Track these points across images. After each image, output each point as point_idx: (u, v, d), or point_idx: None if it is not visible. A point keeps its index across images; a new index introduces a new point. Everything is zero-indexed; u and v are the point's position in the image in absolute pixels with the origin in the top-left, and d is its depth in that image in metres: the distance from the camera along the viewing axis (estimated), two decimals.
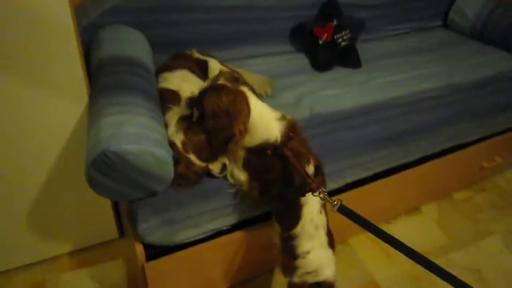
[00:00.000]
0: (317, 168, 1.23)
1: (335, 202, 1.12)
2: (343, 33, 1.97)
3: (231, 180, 1.31)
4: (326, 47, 1.96)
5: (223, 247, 1.42)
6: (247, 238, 1.45)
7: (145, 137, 1.09)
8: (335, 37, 1.96)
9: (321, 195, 1.14)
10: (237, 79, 1.25)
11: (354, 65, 2.01)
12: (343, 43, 1.97)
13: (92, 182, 1.08)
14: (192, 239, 1.33)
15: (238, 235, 1.42)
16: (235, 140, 1.16)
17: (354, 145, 1.59)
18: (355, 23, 2.08)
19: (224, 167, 1.29)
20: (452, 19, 2.48)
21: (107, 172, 1.07)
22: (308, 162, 1.21)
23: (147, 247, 1.27)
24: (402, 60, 2.12)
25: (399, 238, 1.06)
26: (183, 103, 1.34)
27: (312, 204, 1.20)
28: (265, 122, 1.19)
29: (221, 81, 1.20)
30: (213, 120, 1.17)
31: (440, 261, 1.81)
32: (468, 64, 2.10)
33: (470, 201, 2.16)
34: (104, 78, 1.28)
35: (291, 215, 1.21)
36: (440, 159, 1.85)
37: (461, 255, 1.87)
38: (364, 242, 1.87)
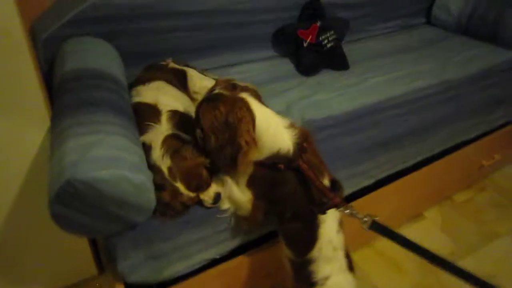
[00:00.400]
0: (333, 182, 1.07)
1: (366, 219, 0.96)
2: (328, 34, 1.82)
3: (225, 206, 1.12)
4: (311, 49, 1.81)
5: (220, 277, 1.23)
6: (246, 264, 1.27)
7: (118, 160, 0.90)
8: (320, 38, 1.81)
9: (348, 211, 0.98)
10: (235, 86, 1.07)
11: (341, 67, 1.86)
12: (328, 45, 1.82)
13: (58, 219, 0.89)
14: (183, 273, 1.14)
15: (236, 262, 1.24)
16: (243, 152, 0.97)
17: (354, 152, 1.44)
18: (340, 24, 1.94)
19: (218, 196, 1.10)
20: (435, 15, 2.37)
21: (75, 205, 0.87)
22: (323, 176, 1.05)
23: (130, 286, 1.08)
24: (390, 59, 1.98)
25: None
26: (164, 118, 1.15)
27: (330, 222, 1.05)
28: (273, 131, 1.01)
29: (217, 91, 1.03)
30: (214, 136, 0.99)
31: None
32: (459, 60, 1.98)
33: (472, 202, 2.02)
34: (67, 95, 1.09)
35: (306, 237, 1.05)
36: (440, 161, 1.72)
37: (472, 262, 1.71)
38: (370, 256, 1.71)
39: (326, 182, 1.06)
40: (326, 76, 1.80)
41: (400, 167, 1.57)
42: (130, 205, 0.93)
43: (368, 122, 1.54)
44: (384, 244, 1.75)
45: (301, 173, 1.02)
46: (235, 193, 1.09)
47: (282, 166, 1.02)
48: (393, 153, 1.53)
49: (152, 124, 1.12)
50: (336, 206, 1.01)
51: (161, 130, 1.12)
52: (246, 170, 1.06)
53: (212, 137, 0.99)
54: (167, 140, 1.07)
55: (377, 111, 1.59)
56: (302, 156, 1.03)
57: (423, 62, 1.95)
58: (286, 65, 1.86)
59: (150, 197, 0.96)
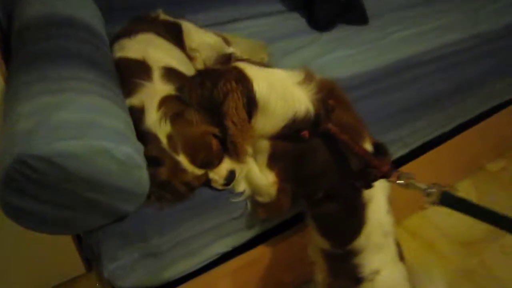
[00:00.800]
0: (377, 146, 0.81)
1: (431, 190, 0.71)
2: None
3: (240, 188, 0.85)
4: (326, 1, 1.52)
5: (233, 273, 0.98)
6: (265, 256, 1.03)
7: (94, 126, 0.63)
8: None
9: (402, 182, 0.72)
10: (229, 59, 0.89)
11: (360, 21, 1.58)
12: None
13: (9, 210, 0.62)
14: (188, 272, 0.88)
15: (252, 254, 0.99)
16: (231, 135, 0.76)
17: (386, 116, 1.17)
18: None
19: (231, 175, 0.82)
20: None
21: (33, 191, 0.60)
22: (363, 138, 0.78)
23: None
24: (412, 12, 1.71)
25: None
26: (156, 76, 0.88)
27: (379, 199, 0.80)
28: (280, 91, 0.77)
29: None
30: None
31: (493, 248, 1.44)
32: (490, 10, 1.72)
33: (507, 171, 1.77)
34: (27, 46, 0.80)
35: (349, 222, 0.80)
36: (477, 126, 1.46)
37: None
38: (401, 237, 1.44)
39: (367, 146, 0.80)
40: (343, 32, 1.53)
41: (438, 132, 1.31)
42: (113, 189, 0.66)
43: (398, 81, 1.29)
44: (416, 223, 1.51)
45: (333, 139, 0.76)
46: (255, 176, 0.83)
47: (306, 133, 0.78)
48: (432, 116, 1.26)
49: (142, 81, 0.85)
50: (386, 176, 0.75)
51: (155, 89, 0.84)
52: (258, 148, 0.83)
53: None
54: (166, 100, 0.80)
55: (409, 67, 1.35)
56: (329, 116, 0.77)
57: (450, 15, 1.69)
58: (296, 20, 1.57)
59: (141, 177, 0.69)
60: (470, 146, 1.54)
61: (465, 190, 1.67)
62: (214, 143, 0.78)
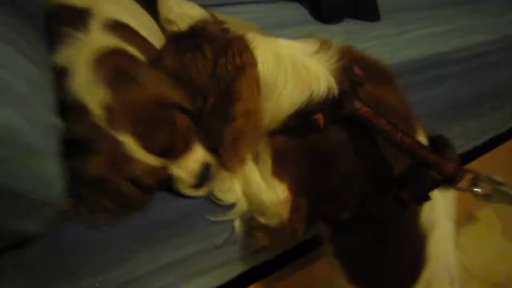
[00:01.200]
0: (435, 139, 0.51)
1: None
2: None
3: (230, 198, 0.54)
4: None
5: None
6: None
7: None
8: None
9: (479, 190, 0.44)
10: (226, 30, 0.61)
11: (371, 16, 1.33)
12: None
13: None
14: None
15: None
16: (236, 129, 0.52)
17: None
18: None
19: (206, 169, 0.52)
20: None
21: None
22: (410, 126, 0.51)
23: None
24: (428, 13, 1.49)
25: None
26: (96, 26, 0.56)
27: (443, 225, 0.50)
28: (291, 67, 0.54)
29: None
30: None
31: None
32: None
33: None
34: None
35: (396, 260, 0.51)
36: (505, 144, 1.21)
37: None
38: None
39: (421, 139, 0.51)
40: (351, 25, 1.29)
41: (471, 145, 1.05)
42: None
43: (419, 81, 1.03)
44: None
45: (362, 125, 0.49)
46: (257, 188, 0.54)
47: (319, 117, 0.51)
48: (465, 123, 1.00)
49: (73, 31, 0.54)
50: (452, 179, 0.44)
51: (91, 41, 0.53)
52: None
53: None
54: (104, 56, 0.49)
55: (428, 67, 1.11)
56: (357, 93, 0.51)
57: (471, 18, 1.50)
58: (297, 10, 1.31)
59: (43, 170, 0.37)
60: (497, 162, 1.29)
61: (487, 217, 1.41)
62: (179, 118, 0.47)
